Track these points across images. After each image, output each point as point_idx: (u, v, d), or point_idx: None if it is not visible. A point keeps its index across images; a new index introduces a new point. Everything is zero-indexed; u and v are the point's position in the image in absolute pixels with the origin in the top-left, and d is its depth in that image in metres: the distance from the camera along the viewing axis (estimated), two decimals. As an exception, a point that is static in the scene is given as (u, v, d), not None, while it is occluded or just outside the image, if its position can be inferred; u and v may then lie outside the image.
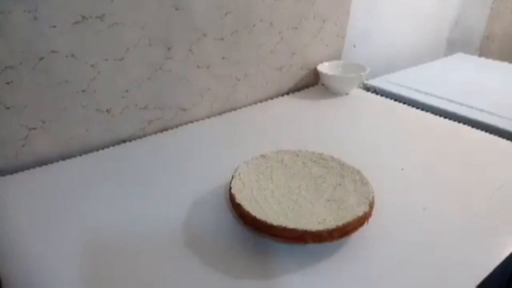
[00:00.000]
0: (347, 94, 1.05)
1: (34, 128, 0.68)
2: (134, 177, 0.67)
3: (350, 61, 1.11)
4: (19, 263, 0.50)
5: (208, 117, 0.90)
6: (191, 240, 0.53)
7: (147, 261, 0.50)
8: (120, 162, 0.72)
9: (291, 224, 0.49)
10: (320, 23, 1.02)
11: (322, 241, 0.49)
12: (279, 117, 0.92)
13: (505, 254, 0.52)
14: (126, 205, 0.60)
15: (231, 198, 0.55)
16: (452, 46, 1.57)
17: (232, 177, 0.59)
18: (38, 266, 0.49)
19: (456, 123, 0.89)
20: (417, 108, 0.97)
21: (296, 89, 1.07)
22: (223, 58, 0.87)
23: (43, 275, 0.48)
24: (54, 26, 0.63)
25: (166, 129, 0.84)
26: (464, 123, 0.88)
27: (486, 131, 0.85)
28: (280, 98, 1.02)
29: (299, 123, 0.90)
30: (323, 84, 1.09)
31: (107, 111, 0.75)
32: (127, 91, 0.76)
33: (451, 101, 0.98)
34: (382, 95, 1.05)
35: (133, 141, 0.79)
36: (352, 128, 0.88)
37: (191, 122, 0.88)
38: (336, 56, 1.13)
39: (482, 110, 0.93)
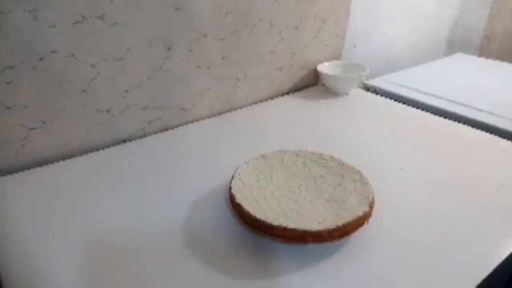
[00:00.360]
0: (347, 94, 1.05)
1: (34, 128, 0.68)
2: (134, 177, 0.67)
3: (350, 61, 1.11)
4: (19, 263, 0.50)
5: (208, 117, 0.90)
6: (191, 240, 0.53)
7: (147, 261, 0.50)
8: (120, 162, 0.72)
9: (291, 224, 0.49)
10: (320, 23, 1.02)
11: (322, 241, 0.49)
12: (279, 117, 0.92)
13: (505, 254, 0.52)
14: (126, 205, 0.60)
15: (231, 198, 0.55)
16: (452, 46, 1.57)
17: (232, 177, 0.59)
18: (38, 266, 0.49)
19: (456, 123, 0.89)
20: (417, 108, 0.97)
21: (296, 89, 1.07)
22: (223, 58, 0.87)
23: (43, 275, 0.48)
24: (54, 26, 0.63)
25: (166, 129, 0.84)
26: (464, 123, 0.88)
27: (486, 131, 0.85)
28: (280, 98, 1.02)
29: (299, 123, 0.90)
30: (323, 84, 1.09)
31: (107, 111, 0.75)
32: (127, 91, 0.76)
33: (451, 101, 0.98)
34: (382, 95, 1.05)
35: (133, 141, 0.79)
36: (352, 128, 0.88)
37: (191, 122, 0.88)
38: (336, 56, 1.13)
39: (482, 110, 0.93)
